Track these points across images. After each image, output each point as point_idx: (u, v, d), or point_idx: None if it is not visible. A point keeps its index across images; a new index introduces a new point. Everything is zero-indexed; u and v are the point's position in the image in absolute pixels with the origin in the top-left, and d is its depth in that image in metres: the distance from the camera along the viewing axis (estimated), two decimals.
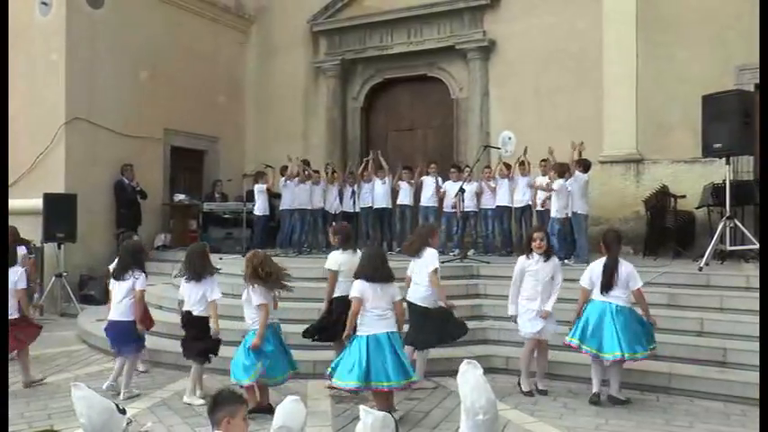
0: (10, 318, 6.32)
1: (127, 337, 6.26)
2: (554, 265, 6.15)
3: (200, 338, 5.99)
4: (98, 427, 3.36)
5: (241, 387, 5.36)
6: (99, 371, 7.11)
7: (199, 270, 6.00)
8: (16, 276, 6.45)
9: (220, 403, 3.17)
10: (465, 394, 3.37)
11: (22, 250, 7.90)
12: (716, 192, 9.36)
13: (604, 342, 5.60)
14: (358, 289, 5.39)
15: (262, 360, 5.50)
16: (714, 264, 8.23)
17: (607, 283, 5.73)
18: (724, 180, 8.60)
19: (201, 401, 5.74)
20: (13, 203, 10.77)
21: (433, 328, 6.19)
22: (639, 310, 5.79)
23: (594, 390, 5.81)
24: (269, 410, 5.17)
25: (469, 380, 3.37)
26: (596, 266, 5.92)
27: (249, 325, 5.69)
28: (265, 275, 5.59)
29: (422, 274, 6.15)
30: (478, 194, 10.82)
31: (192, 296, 5.99)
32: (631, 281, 5.75)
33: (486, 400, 3.37)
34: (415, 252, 6.26)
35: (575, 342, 5.78)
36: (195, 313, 5.98)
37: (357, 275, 5.48)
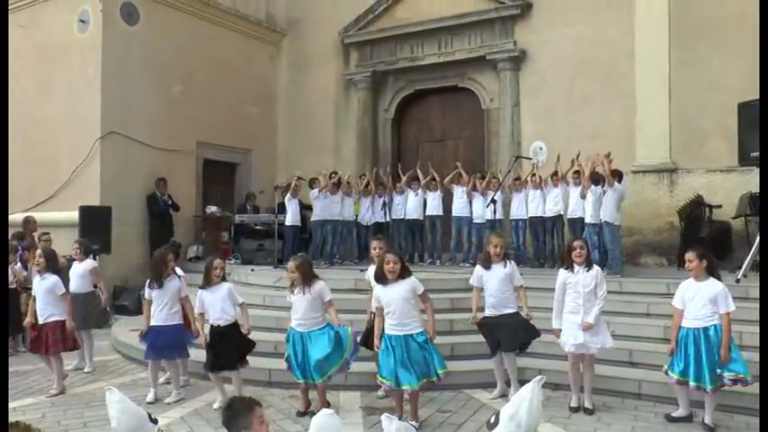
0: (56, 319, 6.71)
1: None
2: (596, 274, 5.91)
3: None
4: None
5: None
6: (133, 380, 7.21)
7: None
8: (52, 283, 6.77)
9: (233, 418, 3.13)
10: (531, 411, 3.33)
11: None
12: (754, 201, 9.17)
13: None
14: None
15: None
16: (752, 275, 8.03)
17: None
18: None
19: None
20: (51, 216, 11.06)
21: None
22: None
23: (684, 412, 5.62)
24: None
25: (536, 397, 3.35)
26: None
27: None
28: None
29: None
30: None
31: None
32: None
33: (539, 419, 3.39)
34: None
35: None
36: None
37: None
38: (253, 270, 10.02)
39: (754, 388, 5.65)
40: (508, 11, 12.46)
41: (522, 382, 6.60)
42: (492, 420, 4.56)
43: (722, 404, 5.77)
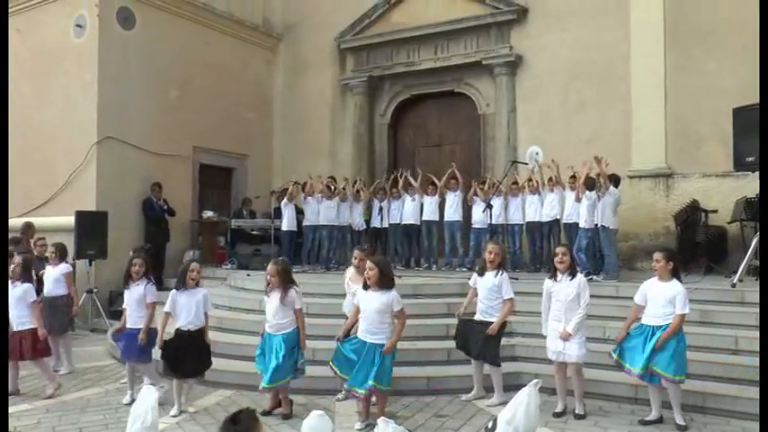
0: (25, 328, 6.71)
1: None
2: (579, 284, 5.91)
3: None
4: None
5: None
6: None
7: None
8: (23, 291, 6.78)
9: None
10: (528, 415, 3.33)
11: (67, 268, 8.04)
12: (749, 206, 9.19)
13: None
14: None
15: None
16: (748, 280, 8.04)
17: None
18: (758, 194, 8.43)
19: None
20: (48, 220, 11.02)
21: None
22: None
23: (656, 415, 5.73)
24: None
25: (533, 402, 3.36)
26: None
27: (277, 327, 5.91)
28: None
29: None
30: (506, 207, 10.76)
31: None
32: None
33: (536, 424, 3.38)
34: None
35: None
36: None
37: None
38: (249, 275, 10.01)
39: (753, 392, 5.67)
40: (504, 16, 12.48)
41: (518, 387, 6.61)
42: (489, 425, 4.57)
43: (717, 408, 5.80)
